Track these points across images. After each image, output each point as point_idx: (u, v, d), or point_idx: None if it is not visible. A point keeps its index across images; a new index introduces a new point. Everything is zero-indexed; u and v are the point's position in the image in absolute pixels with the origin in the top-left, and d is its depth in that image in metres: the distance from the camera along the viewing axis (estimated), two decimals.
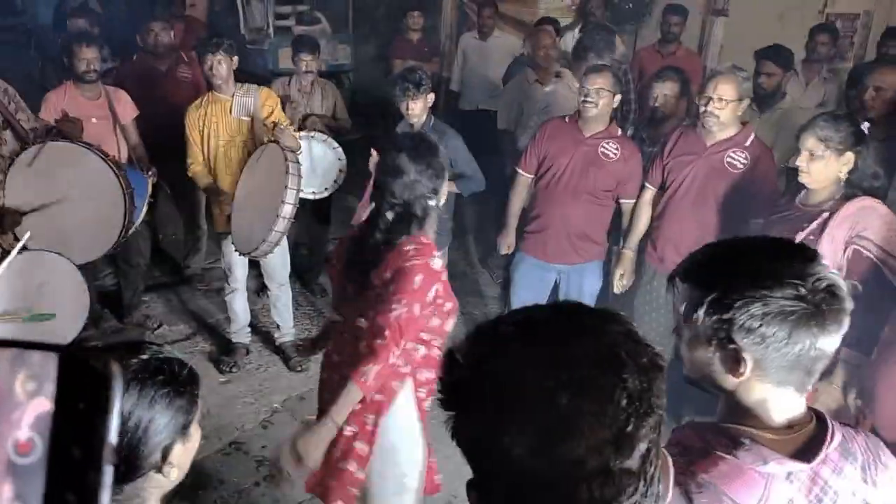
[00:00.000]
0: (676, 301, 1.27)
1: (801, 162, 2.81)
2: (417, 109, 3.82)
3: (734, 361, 1.19)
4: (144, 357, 1.29)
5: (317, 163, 4.48)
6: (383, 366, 2.22)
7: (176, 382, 1.30)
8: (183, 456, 1.33)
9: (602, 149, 3.70)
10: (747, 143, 3.40)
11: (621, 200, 3.85)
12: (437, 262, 2.29)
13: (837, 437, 1.22)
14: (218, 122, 4.02)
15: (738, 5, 6.40)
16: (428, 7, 7.64)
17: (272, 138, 3.87)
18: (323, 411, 2.36)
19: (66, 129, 3.57)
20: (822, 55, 5.04)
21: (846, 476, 1.21)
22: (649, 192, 3.74)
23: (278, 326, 4.45)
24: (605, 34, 4.79)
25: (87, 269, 3.63)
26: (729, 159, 3.39)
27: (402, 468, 2.51)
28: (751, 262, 1.19)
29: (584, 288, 3.95)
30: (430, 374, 2.45)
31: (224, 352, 4.44)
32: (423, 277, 2.22)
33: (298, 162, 3.76)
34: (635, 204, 3.81)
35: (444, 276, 2.35)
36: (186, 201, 5.06)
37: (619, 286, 3.87)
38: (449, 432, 0.82)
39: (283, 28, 8.53)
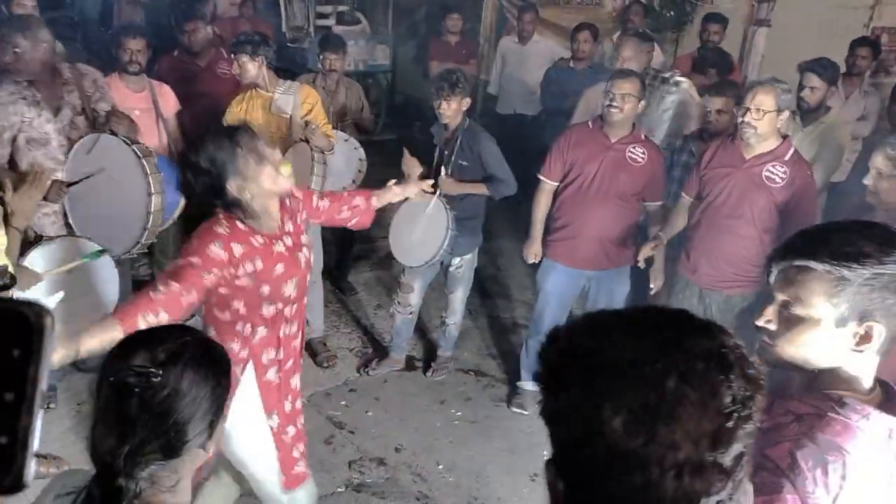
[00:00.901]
0: (775, 285, 1.37)
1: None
2: (450, 110, 3.83)
3: (865, 338, 1.30)
4: (196, 338, 1.39)
5: (336, 161, 4.52)
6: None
7: (222, 362, 1.40)
8: (220, 433, 1.41)
9: (630, 153, 3.70)
10: (787, 157, 3.34)
11: (647, 203, 3.85)
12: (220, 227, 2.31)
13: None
14: (257, 117, 4.06)
15: (782, 16, 6.31)
16: (467, 10, 7.67)
17: (303, 137, 3.91)
18: None
19: (113, 123, 3.64)
20: (861, 69, 4.98)
21: None
22: (685, 200, 3.71)
23: (307, 323, 4.49)
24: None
25: (125, 259, 3.71)
26: (767, 173, 3.33)
27: (241, 454, 2.54)
28: (872, 242, 1.29)
29: (615, 293, 3.94)
30: (276, 355, 2.47)
31: None
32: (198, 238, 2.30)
33: (325, 163, 3.80)
34: (671, 210, 3.81)
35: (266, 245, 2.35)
36: None
37: (654, 286, 3.86)
38: (538, 408, 0.84)
39: (323, 27, 8.63)
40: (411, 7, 9.22)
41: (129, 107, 4.04)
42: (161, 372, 1.28)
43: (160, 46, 5.26)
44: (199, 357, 1.35)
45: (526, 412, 4.07)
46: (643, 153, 3.70)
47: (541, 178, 3.94)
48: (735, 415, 0.76)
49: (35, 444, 0.42)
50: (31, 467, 0.42)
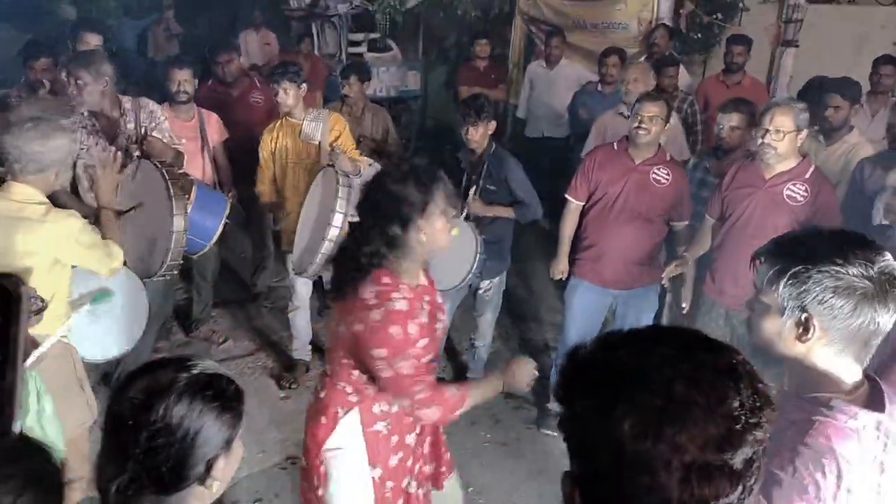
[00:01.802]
0: (756, 279, 1.52)
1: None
2: (477, 136, 3.91)
3: (804, 328, 1.42)
4: (195, 371, 1.36)
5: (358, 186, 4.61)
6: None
7: (223, 398, 1.36)
8: (225, 470, 1.38)
9: (654, 175, 3.74)
10: (807, 176, 3.36)
11: (673, 223, 3.88)
12: (402, 303, 2.15)
13: (886, 391, 1.44)
14: (287, 144, 4.20)
15: (809, 36, 6.30)
16: (496, 35, 7.77)
17: (330, 162, 4.02)
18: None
19: (145, 147, 3.83)
20: (886, 87, 4.96)
21: (895, 418, 1.42)
22: (709, 222, 3.74)
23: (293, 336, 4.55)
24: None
25: (169, 283, 3.83)
26: (788, 192, 3.35)
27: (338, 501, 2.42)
28: (828, 245, 1.42)
29: (643, 313, 3.96)
30: (390, 409, 2.34)
31: (285, 368, 4.58)
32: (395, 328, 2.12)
33: (350, 186, 3.90)
34: (697, 231, 3.83)
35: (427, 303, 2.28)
36: (255, 222, 5.26)
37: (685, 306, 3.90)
38: (556, 423, 0.89)
39: (355, 55, 8.79)
40: (441, 33, 9.36)
41: (177, 135, 4.20)
42: (152, 404, 1.27)
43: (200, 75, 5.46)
44: (196, 391, 1.32)
45: (555, 434, 4.08)
46: (667, 174, 3.74)
47: (567, 197, 4.01)
48: (743, 419, 0.77)
49: (19, 397, 0.49)
50: (18, 416, 0.49)
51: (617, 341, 0.87)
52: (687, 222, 3.92)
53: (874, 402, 1.43)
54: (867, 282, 1.38)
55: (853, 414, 1.39)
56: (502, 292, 4.39)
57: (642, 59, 6.17)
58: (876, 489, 1.40)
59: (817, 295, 1.40)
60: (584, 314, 4.01)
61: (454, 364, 4.79)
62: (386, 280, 2.18)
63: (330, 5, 9.16)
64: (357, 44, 9.14)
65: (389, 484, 2.42)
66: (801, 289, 1.41)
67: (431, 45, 9.60)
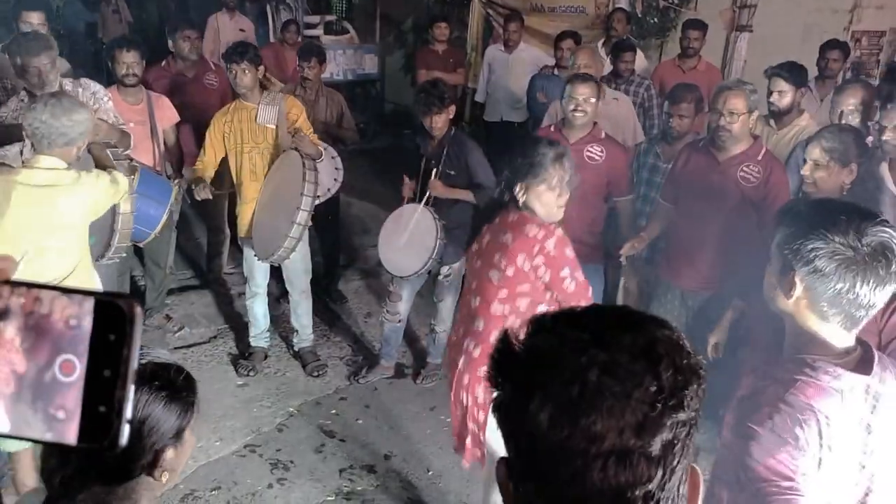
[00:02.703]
0: (772, 245, 1.62)
1: (806, 171, 2.86)
2: (440, 123, 3.91)
3: (789, 285, 1.52)
4: (142, 361, 1.31)
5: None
6: None
7: (171, 388, 1.33)
8: (175, 460, 1.35)
9: (588, 153, 3.82)
10: (759, 157, 3.42)
11: (615, 199, 3.95)
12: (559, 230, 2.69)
13: (877, 356, 1.52)
14: (243, 129, 4.11)
15: (763, 21, 6.39)
16: (454, 19, 7.73)
17: (293, 145, 3.96)
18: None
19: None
20: (833, 71, 5.06)
21: (886, 382, 1.49)
22: (663, 205, 3.77)
23: (297, 332, 4.53)
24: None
25: (121, 269, 3.75)
26: (742, 173, 3.40)
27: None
28: (829, 212, 1.52)
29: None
30: None
31: (243, 355, 4.53)
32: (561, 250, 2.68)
33: (316, 169, 3.85)
34: (652, 214, 3.87)
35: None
36: (210, 207, 5.17)
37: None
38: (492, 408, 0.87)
39: (311, 37, 8.67)
40: (399, 17, 9.28)
41: (125, 119, 4.09)
42: None
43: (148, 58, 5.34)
44: (143, 381, 1.29)
45: None
46: (601, 151, 3.83)
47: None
48: (661, 404, 0.76)
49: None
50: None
51: (540, 326, 0.85)
52: (629, 197, 3.98)
53: (862, 365, 1.50)
54: (851, 251, 1.45)
55: (836, 375, 1.46)
56: (462, 277, 4.38)
57: (599, 43, 6.20)
58: (862, 448, 1.46)
59: (804, 255, 1.49)
60: None
61: (414, 350, 4.78)
62: (537, 221, 2.68)
63: None
64: (313, 26, 9.02)
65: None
66: (792, 248, 1.51)
67: (389, 29, 9.51)
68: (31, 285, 0.53)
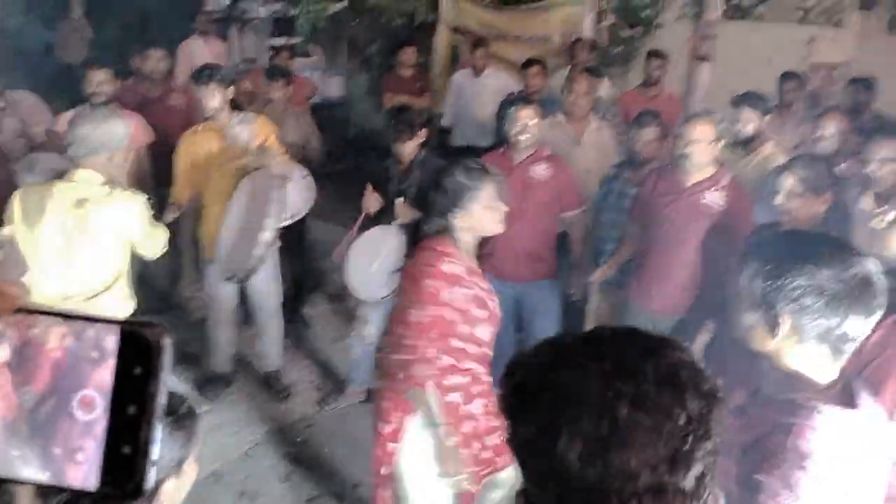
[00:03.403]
0: (741, 278, 1.55)
1: (780, 201, 2.90)
2: (411, 148, 3.95)
3: (773, 324, 1.45)
4: None
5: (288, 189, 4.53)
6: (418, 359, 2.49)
7: (173, 416, 1.29)
8: (175, 492, 1.31)
9: (533, 171, 3.91)
10: (724, 183, 3.49)
11: (564, 214, 4.03)
12: (452, 267, 2.52)
13: (857, 386, 1.48)
14: (211, 149, 4.06)
15: (724, 52, 6.55)
16: (421, 43, 7.76)
17: (261, 164, 3.92)
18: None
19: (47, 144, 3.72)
20: (790, 101, 5.22)
21: (869, 412, 1.46)
22: (633, 227, 3.85)
23: (264, 356, 4.44)
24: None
25: None
26: (707, 199, 3.47)
27: (423, 468, 2.63)
28: (806, 245, 1.48)
29: (541, 305, 4.07)
30: (461, 379, 2.58)
31: (207, 381, 4.42)
32: (432, 282, 2.48)
33: (284, 189, 3.82)
34: (623, 239, 3.94)
35: (476, 284, 2.56)
36: (170, 228, 5.07)
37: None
38: (506, 439, 0.84)
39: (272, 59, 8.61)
40: (365, 40, 9.28)
41: None
42: None
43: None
44: None
45: None
46: (546, 168, 3.92)
47: None
48: (691, 437, 0.74)
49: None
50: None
51: (554, 358, 0.83)
52: (579, 210, 4.06)
53: (846, 397, 1.46)
54: (839, 284, 1.41)
55: (827, 412, 1.42)
56: None
57: (565, 71, 6.27)
58: (846, 478, 1.43)
59: (788, 293, 1.43)
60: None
61: None
62: (439, 247, 2.56)
63: (249, 9, 8.99)
64: (278, 49, 8.97)
65: (465, 452, 2.61)
66: (774, 285, 1.45)
67: (355, 52, 9.51)
68: (49, 312, 0.47)
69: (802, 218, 2.89)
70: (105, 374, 0.47)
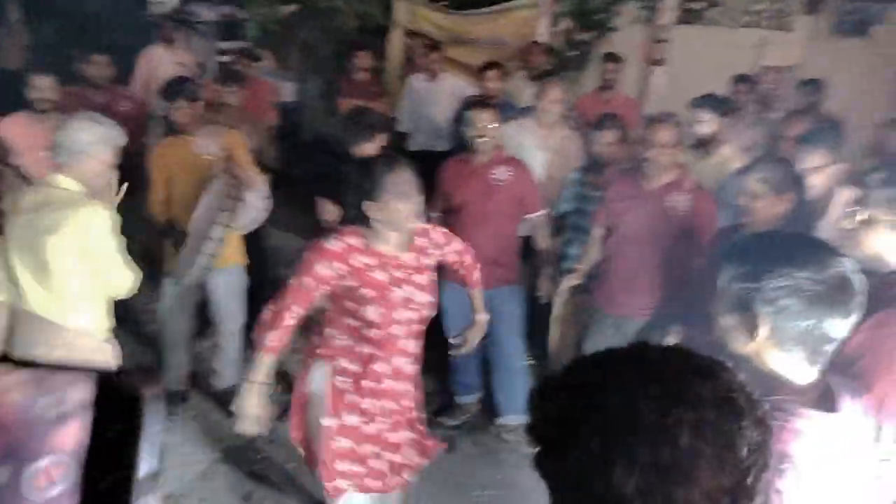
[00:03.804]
0: (719, 280, 1.53)
1: (743, 203, 2.91)
2: (370, 152, 3.83)
3: (752, 327, 1.44)
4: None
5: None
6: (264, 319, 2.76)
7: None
8: None
9: (493, 176, 3.89)
10: (687, 186, 3.51)
11: (528, 217, 4.02)
12: (334, 243, 2.63)
13: (837, 388, 1.46)
14: (181, 161, 3.98)
15: (677, 55, 6.62)
16: (375, 47, 7.67)
17: (225, 172, 3.83)
18: None
19: None
20: (741, 103, 5.30)
21: (848, 415, 1.44)
22: (598, 232, 3.83)
23: (220, 374, 4.30)
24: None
25: None
26: (670, 203, 3.48)
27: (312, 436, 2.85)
28: (783, 247, 1.46)
29: (505, 312, 4.04)
30: (352, 366, 2.74)
31: None
32: (310, 254, 2.64)
33: (240, 199, 3.73)
34: (587, 243, 3.92)
35: (363, 263, 2.64)
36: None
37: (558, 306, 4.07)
38: (533, 466, 0.77)
39: (226, 64, 8.43)
40: (318, 44, 9.15)
41: (36, 145, 3.86)
42: None
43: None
44: None
45: (451, 422, 4.24)
46: (508, 171, 3.90)
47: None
48: (753, 469, 0.70)
49: None
50: None
51: (597, 380, 0.76)
52: (542, 212, 4.04)
53: (825, 400, 1.44)
54: (817, 285, 1.39)
55: (805, 416, 1.41)
56: None
57: (520, 75, 6.27)
58: (824, 481, 1.41)
59: (766, 294, 1.41)
60: (459, 313, 4.04)
61: None
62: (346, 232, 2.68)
63: (196, 11, 8.78)
64: (227, 53, 8.78)
65: (342, 442, 2.76)
66: (752, 287, 1.43)
67: (307, 56, 9.37)
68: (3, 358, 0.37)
69: (766, 218, 2.91)
70: (73, 435, 0.36)
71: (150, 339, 4.84)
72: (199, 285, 4.01)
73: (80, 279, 2.87)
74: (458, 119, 5.82)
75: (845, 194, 3.11)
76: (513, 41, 7.10)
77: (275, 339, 2.71)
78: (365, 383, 2.73)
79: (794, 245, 1.49)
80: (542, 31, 6.94)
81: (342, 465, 2.78)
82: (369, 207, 2.62)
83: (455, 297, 4.13)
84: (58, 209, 2.80)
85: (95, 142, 2.90)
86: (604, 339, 3.70)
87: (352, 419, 2.76)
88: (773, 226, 2.90)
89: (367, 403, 2.76)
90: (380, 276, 2.65)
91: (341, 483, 2.80)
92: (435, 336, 5.31)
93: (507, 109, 5.29)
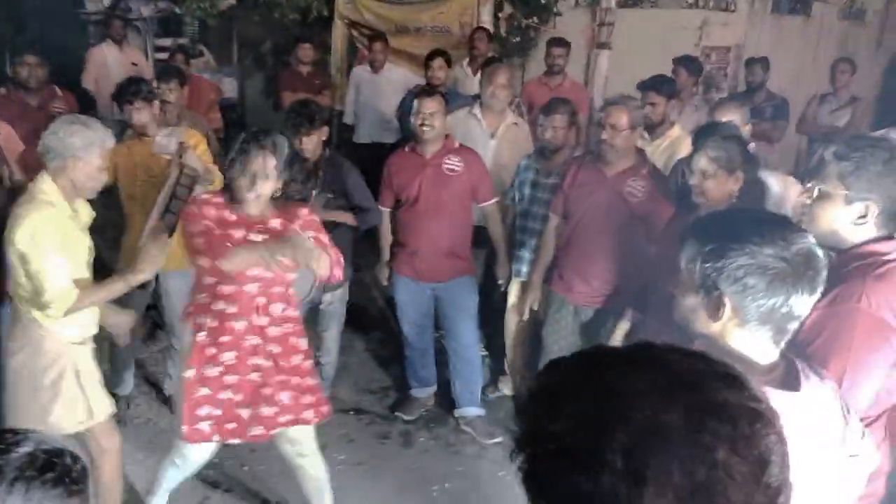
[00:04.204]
0: (681, 257, 1.49)
1: (695, 182, 2.89)
2: (311, 145, 3.76)
3: (716, 306, 1.41)
4: (27, 450, 1.07)
5: None
6: None
7: (69, 480, 1.09)
8: None
9: (445, 165, 3.84)
10: (645, 171, 3.47)
11: (481, 205, 3.99)
12: (194, 206, 2.83)
13: (801, 368, 1.44)
14: (139, 161, 3.86)
15: (621, 39, 6.64)
16: (317, 40, 7.53)
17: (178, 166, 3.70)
18: None
19: None
20: (684, 85, 5.32)
21: (812, 395, 1.41)
22: (554, 221, 3.78)
23: (171, 377, 4.16)
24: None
25: None
26: (629, 188, 3.45)
27: None
28: (746, 224, 1.43)
29: (460, 303, 4.03)
30: (210, 322, 2.85)
31: None
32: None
33: (192, 189, 3.61)
34: (543, 232, 3.86)
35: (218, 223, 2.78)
36: None
37: (527, 313, 3.98)
38: (528, 485, 0.68)
39: (163, 61, 8.19)
40: (258, 38, 8.96)
41: None
42: None
43: None
44: (34, 476, 1.06)
45: (408, 417, 4.20)
46: (459, 161, 3.85)
47: (378, 206, 4.06)
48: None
49: None
50: None
51: (612, 385, 0.67)
52: (493, 200, 4.01)
53: (788, 381, 1.41)
54: (782, 262, 1.36)
55: (769, 396, 1.35)
56: (345, 304, 4.21)
57: (464, 62, 6.21)
58: (793, 467, 1.36)
59: (731, 273, 1.39)
60: (412, 307, 4.10)
61: None
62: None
63: (132, 8, 8.51)
64: (165, 49, 8.53)
65: (202, 390, 2.85)
66: (715, 266, 1.40)
67: (247, 51, 9.17)
68: None
69: (717, 197, 2.89)
70: None
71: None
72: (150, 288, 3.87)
73: (23, 281, 2.80)
74: (403, 108, 5.78)
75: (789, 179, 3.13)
76: (456, 29, 7.04)
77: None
78: (224, 339, 2.84)
79: (758, 222, 1.45)
80: (486, 18, 6.88)
81: (201, 411, 2.86)
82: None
83: (408, 291, 4.07)
84: (21, 206, 2.80)
85: (86, 145, 2.85)
86: (562, 326, 3.68)
87: (212, 371, 2.85)
88: (726, 205, 2.89)
89: (226, 357, 2.85)
90: (216, 231, 2.79)
91: (202, 426, 2.87)
92: (388, 330, 5.26)
93: (454, 98, 5.23)
